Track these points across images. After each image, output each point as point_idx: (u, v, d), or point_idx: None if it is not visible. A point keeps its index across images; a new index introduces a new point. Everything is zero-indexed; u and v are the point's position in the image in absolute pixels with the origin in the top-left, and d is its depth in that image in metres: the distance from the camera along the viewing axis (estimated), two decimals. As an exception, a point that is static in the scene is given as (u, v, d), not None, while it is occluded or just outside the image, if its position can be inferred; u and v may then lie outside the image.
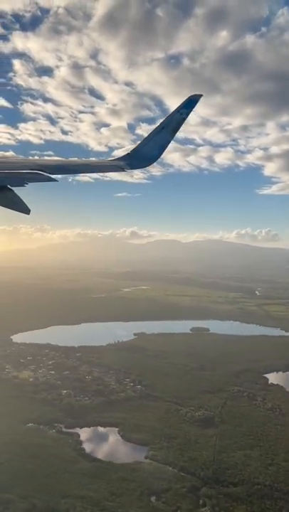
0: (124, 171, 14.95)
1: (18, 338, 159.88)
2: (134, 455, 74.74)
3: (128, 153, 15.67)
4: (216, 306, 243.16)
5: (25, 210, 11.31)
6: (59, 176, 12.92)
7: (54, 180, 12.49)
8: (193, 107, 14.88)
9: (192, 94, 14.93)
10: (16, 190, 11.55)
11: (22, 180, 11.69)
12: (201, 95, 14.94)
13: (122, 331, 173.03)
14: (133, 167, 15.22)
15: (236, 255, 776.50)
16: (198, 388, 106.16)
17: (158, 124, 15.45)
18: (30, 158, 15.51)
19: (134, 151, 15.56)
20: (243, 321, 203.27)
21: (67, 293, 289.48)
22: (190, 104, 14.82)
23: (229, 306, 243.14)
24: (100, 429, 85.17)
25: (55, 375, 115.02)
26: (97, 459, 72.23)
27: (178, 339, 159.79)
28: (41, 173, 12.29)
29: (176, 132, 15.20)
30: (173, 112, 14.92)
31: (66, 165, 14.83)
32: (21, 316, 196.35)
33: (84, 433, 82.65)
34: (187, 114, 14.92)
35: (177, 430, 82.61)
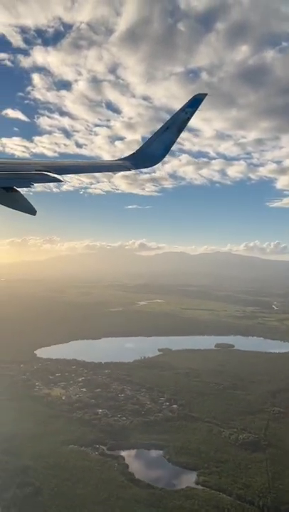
0: (129, 170, 14.79)
1: (41, 353, 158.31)
2: (184, 480, 72.15)
3: (133, 153, 15.50)
4: (236, 321, 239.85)
5: (32, 211, 11.23)
6: (66, 177, 12.80)
7: (60, 180, 12.36)
8: (198, 106, 14.76)
9: (196, 93, 14.80)
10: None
11: (28, 181, 11.60)
12: (205, 94, 14.83)
13: (146, 347, 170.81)
14: (138, 167, 15.05)
15: (245, 268, 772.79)
16: (236, 409, 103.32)
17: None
18: (36, 159, 15.42)
19: (139, 150, 15.41)
20: (266, 337, 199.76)
21: (83, 306, 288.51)
22: (195, 103, 14.68)
23: (249, 321, 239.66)
24: (144, 451, 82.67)
25: (87, 393, 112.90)
26: (149, 484, 69.61)
27: (205, 356, 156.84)
28: (47, 173, 12.19)
29: (181, 132, 15.06)
30: (178, 111, 14.76)
31: (71, 165, 14.60)
32: (42, 330, 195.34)
33: (128, 456, 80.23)
34: (192, 114, 14.77)
35: (225, 454, 79.88)
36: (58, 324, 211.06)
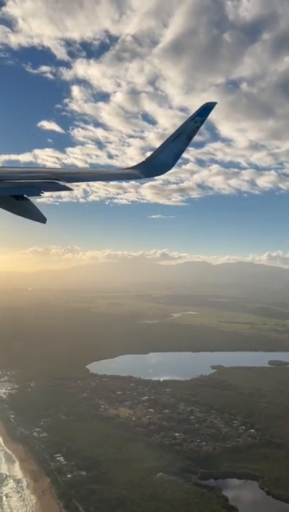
0: (138, 178, 14.84)
1: (93, 368, 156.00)
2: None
3: (143, 162, 15.51)
4: (280, 336, 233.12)
5: (42, 219, 11.32)
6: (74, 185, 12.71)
7: (69, 189, 12.28)
8: (208, 115, 14.86)
9: (206, 102, 14.78)
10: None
11: (38, 190, 11.52)
12: (215, 103, 14.93)
13: (196, 363, 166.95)
14: (148, 175, 15.07)
15: (269, 278, 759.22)
16: None
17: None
18: (46, 167, 15.22)
19: (149, 159, 15.44)
20: None
21: (117, 318, 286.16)
22: (204, 112, 14.79)
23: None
24: (237, 481, 78.47)
25: (156, 414, 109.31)
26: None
27: (262, 374, 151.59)
28: (57, 182, 12.15)
29: (190, 140, 15.09)
30: (187, 120, 14.86)
31: (81, 173, 14.75)
32: (87, 343, 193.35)
33: (224, 487, 76.08)
34: (201, 122, 14.85)
35: None
36: (101, 337, 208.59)
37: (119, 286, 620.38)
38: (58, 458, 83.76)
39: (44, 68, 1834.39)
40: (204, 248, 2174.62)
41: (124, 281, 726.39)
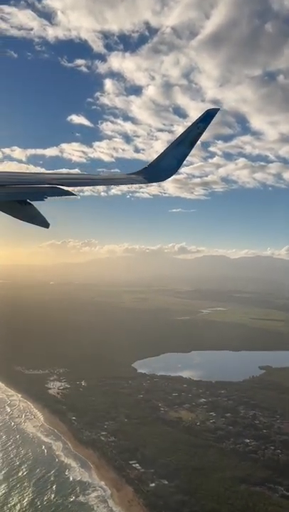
0: (142, 183, 15.04)
1: (140, 367, 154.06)
2: None
3: (146, 167, 15.64)
4: None
5: (45, 225, 11.39)
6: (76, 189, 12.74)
7: (72, 194, 12.36)
8: (210, 121, 15.06)
9: (208, 108, 15.20)
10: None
11: (41, 195, 11.62)
12: (218, 109, 15.12)
13: (243, 363, 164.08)
14: (151, 180, 15.23)
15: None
16: None
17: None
18: (50, 172, 15.45)
19: (152, 164, 15.55)
20: None
21: (148, 314, 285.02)
22: (207, 118, 15.00)
23: None
24: None
25: (219, 418, 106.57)
26: None
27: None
28: (60, 187, 12.18)
29: (193, 146, 15.21)
30: (190, 126, 15.07)
31: (85, 179, 14.95)
32: (126, 340, 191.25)
33: (314, 500, 72.93)
34: (204, 128, 15.07)
35: None
36: (138, 334, 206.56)
37: (139, 280, 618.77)
38: (134, 465, 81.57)
39: (79, 61, 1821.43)
40: (223, 242, 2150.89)
41: (142, 275, 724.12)
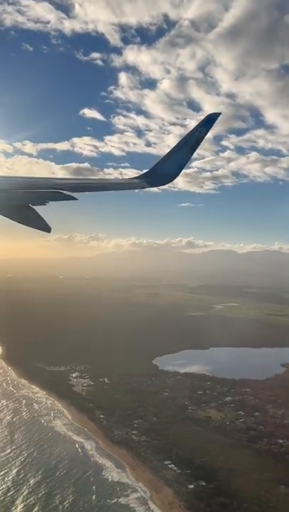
0: (143, 188, 15.15)
1: (160, 364, 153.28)
2: None
3: (147, 171, 15.87)
4: None
5: (46, 229, 11.52)
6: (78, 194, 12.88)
7: (74, 198, 12.51)
8: (212, 125, 15.10)
9: (211, 112, 15.23)
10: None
11: (43, 199, 11.75)
12: (219, 114, 15.20)
13: (264, 360, 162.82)
14: (152, 185, 15.34)
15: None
16: None
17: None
18: (51, 177, 16.90)
19: (153, 169, 15.68)
20: None
21: (162, 309, 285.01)
22: (208, 122, 15.05)
23: None
24: None
25: (249, 417, 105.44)
26: None
27: None
28: (61, 191, 12.35)
29: (195, 150, 15.26)
30: (192, 131, 15.11)
31: (86, 183, 15.12)
32: (143, 337, 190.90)
33: None
34: (206, 133, 15.07)
35: None
36: (154, 330, 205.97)
37: (147, 274, 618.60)
38: (169, 466, 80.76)
39: (95, 55, 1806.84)
40: (230, 236, 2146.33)
41: (150, 270, 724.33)
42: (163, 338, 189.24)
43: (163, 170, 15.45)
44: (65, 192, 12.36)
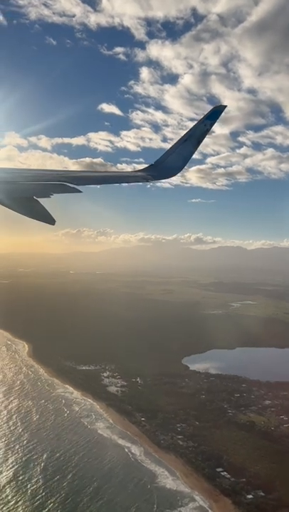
0: (147, 181, 14.82)
1: (191, 364, 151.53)
2: None
3: (152, 165, 15.52)
4: None
5: (51, 221, 11.29)
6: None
7: (79, 191, 12.24)
8: (217, 118, 14.76)
9: (215, 105, 14.87)
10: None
11: (48, 192, 11.56)
12: (225, 106, 14.78)
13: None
14: (157, 178, 15.02)
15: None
16: None
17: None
18: (57, 169, 15.45)
19: (158, 162, 15.42)
20: None
21: (179, 307, 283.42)
22: (214, 115, 14.70)
23: None
24: None
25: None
26: None
27: None
28: (67, 184, 12.17)
29: (200, 143, 15.03)
30: (197, 123, 14.86)
31: (91, 176, 14.90)
32: (167, 335, 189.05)
33: None
34: (211, 125, 14.82)
35: None
36: (177, 329, 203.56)
37: (156, 270, 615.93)
38: (222, 473, 79.12)
39: (118, 49, 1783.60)
40: (240, 233, 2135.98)
41: (158, 265, 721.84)
42: (187, 337, 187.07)
43: (168, 163, 15.17)
44: (69, 184, 12.16)
